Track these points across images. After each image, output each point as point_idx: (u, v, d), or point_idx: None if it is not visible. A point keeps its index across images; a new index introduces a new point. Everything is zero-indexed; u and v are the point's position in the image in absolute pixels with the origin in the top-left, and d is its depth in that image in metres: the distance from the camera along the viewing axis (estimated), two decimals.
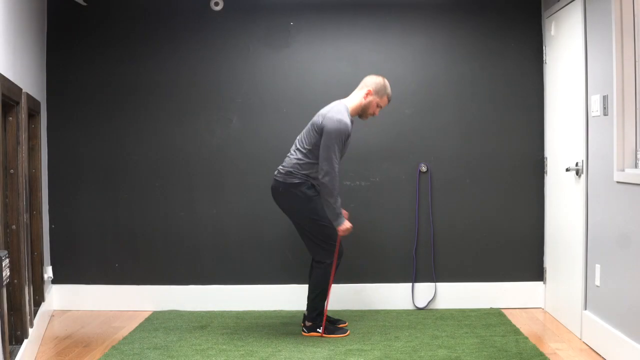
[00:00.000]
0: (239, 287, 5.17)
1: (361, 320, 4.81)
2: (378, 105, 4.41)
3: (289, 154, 4.44)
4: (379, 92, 4.38)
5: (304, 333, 4.47)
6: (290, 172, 4.35)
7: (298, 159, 4.35)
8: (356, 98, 4.40)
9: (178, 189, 5.17)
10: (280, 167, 4.43)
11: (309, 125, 4.40)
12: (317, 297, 4.42)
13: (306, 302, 4.50)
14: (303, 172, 4.34)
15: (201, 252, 5.19)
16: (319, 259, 4.39)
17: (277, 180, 4.40)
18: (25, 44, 4.34)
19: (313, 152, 4.30)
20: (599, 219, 4.11)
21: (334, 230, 4.35)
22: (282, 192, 4.37)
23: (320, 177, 4.24)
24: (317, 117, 4.34)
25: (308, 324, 4.46)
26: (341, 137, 4.23)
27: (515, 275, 5.14)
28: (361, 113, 4.43)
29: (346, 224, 4.32)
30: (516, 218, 5.13)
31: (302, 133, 4.44)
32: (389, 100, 4.46)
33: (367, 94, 4.37)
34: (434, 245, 5.13)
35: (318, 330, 4.43)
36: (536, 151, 5.11)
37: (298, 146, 4.40)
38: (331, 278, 4.41)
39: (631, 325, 3.66)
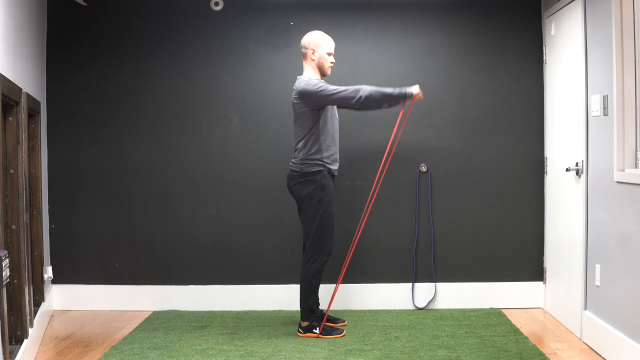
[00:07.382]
0: (239, 287, 5.17)
1: (361, 320, 4.81)
2: (328, 54, 4.49)
3: (293, 152, 4.48)
4: (318, 43, 4.46)
5: (299, 334, 4.47)
6: (304, 160, 4.39)
7: (299, 148, 4.41)
8: (308, 65, 4.50)
9: (178, 188, 5.17)
10: (292, 160, 4.47)
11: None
12: (306, 295, 4.44)
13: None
14: (313, 156, 4.38)
15: (201, 252, 5.18)
16: (310, 255, 4.41)
17: (293, 170, 4.45)
18: (25, 44, 4.34)
19: (305, 130, 4.39)
20: (599, 219, 4.10)
21: (329, 227, 4.39)
22: (298, 179, 4.41)
23: (361, 101, 4.29)
24: (292, 101, 4.46)
25: (304, 324, 4.46)
26: (317, 83, 4.34)
27: (515, 275, 5.14)
28: (322, 72, 4.50)
29: (412, 90, 4.36)
30: (516, 218, 5.12)
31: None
32: (332, 43, 4.51)
33: (312, 53, 4.46)
34: (434, 245, 5.13)
35: (314, 331, 4.43)
36: (536, 151, 5.11)
37: (295, 138, 4.47)
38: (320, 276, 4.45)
39: (631, 325, 3.66)
